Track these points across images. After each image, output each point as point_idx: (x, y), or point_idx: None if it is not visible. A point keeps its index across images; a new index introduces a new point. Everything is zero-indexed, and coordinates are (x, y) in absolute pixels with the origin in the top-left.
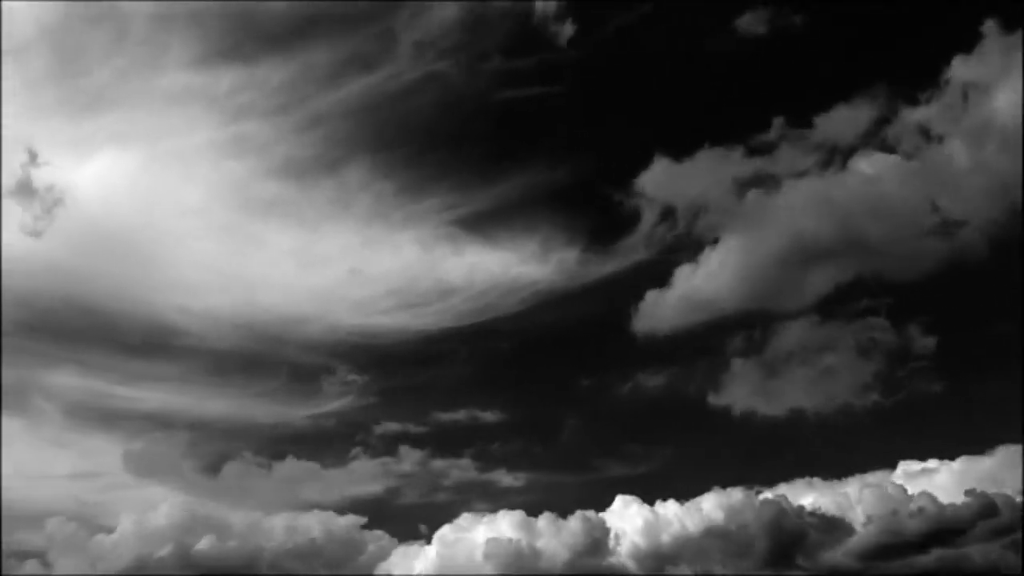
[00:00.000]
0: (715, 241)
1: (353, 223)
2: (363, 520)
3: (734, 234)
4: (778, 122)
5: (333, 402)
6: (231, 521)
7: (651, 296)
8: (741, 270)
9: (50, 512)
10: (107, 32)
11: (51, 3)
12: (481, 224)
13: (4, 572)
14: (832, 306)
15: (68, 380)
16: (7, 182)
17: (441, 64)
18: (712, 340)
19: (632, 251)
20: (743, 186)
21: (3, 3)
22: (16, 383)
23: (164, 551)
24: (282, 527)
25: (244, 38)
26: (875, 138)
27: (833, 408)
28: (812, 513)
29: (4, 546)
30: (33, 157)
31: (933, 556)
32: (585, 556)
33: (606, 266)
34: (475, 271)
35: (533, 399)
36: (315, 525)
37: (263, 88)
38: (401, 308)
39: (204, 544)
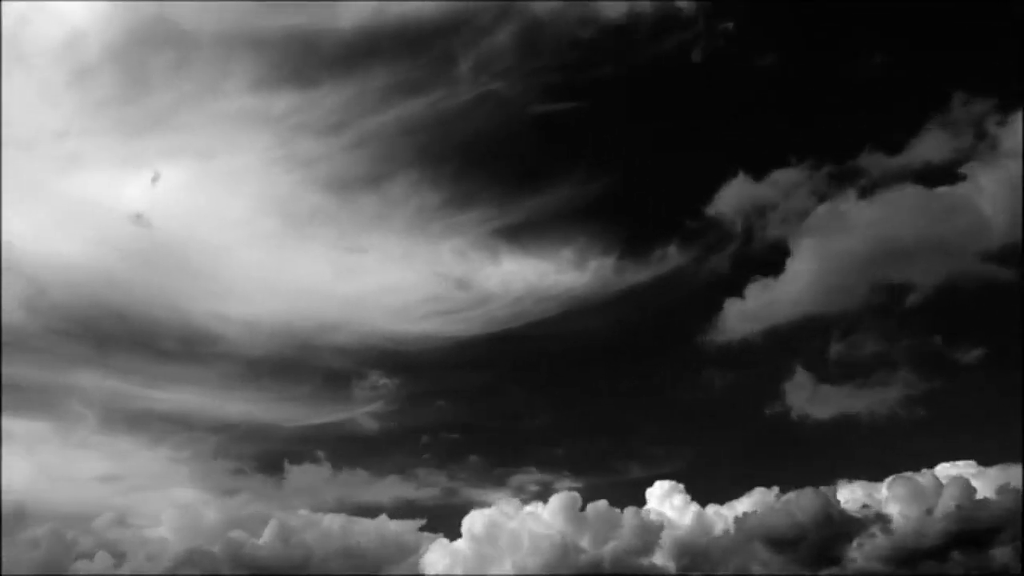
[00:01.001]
0: (785, 254)
1: (394, 234)
2: (405, 521)
3: (803, 247)
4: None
5: (363, 406)
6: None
7: (728, 304)
8: (808, 281)
9: (83, 514)
10: (171, 55)
11: (118, 26)
12: (519, 234)
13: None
14: (886, 315)
15: (104, 384)
16: None
17: (496, 84)
18: (774, 348)
19: (668, 260)
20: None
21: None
22: (53, 387)
23: (213, 549)
24: (326, 528)
25: (304, 62)
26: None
27: (882, 412)
28: (851, 512)
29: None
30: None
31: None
32: (631, 554)
33: (639, 275)
34: (511, 279)
35: (567, 401)
36: (354, 526)
37: (317, 109)
38: (435, 315)
39: (250, 543)
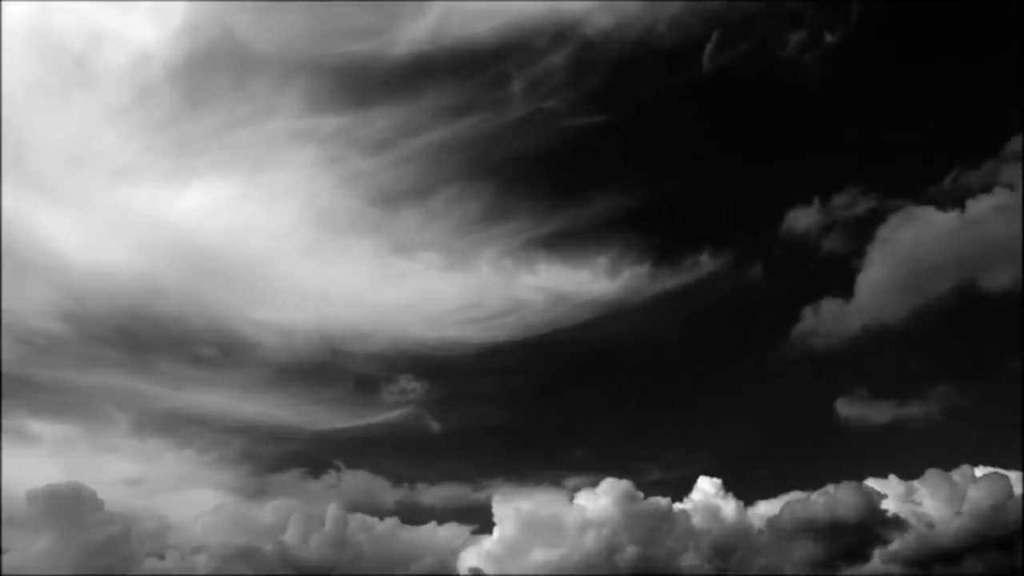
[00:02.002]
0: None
1: (433, 245)
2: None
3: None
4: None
5: (392, 410)
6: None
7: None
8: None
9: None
10: (230, 77)
11: (182, 49)
12: (556, 244)
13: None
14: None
15: (139, 388)
16: None
17: (547, 103)
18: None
19: (700, 268)
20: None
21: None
22: (86, 390)
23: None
24: (367, 528)
25: (358, 86)
26: None
27: (924, 417)
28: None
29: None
30: None
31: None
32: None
33: (669, 282)
34: (546, 287)
35: (597, 404)
36: (393, 527)
37: (367, 129)
38: (469, 322)
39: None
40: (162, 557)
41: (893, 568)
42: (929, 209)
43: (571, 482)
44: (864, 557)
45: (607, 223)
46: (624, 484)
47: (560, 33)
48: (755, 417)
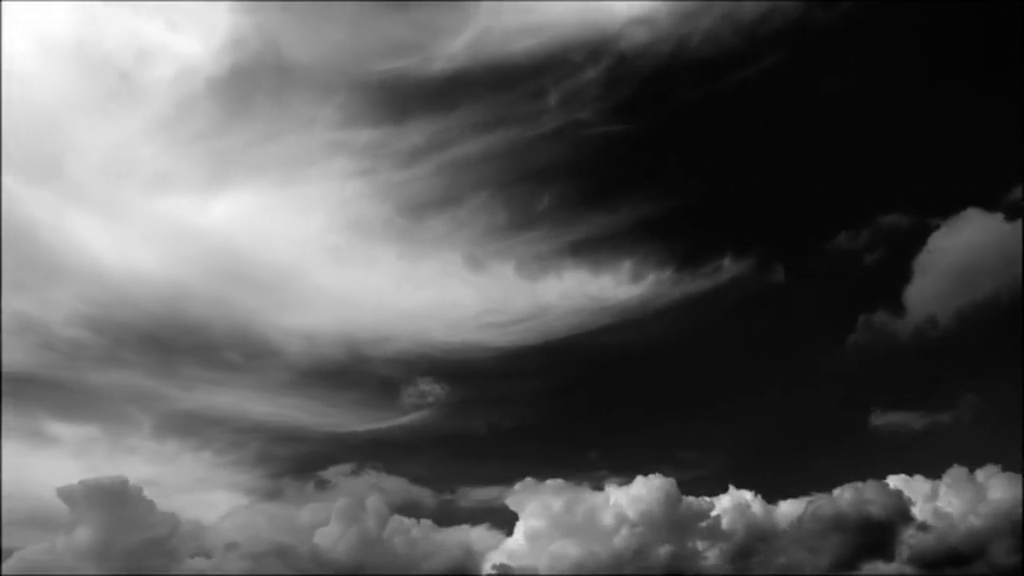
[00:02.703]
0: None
1: (459, 251)
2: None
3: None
4: None
5: (412, 412)
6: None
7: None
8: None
9: None
10: (269, 90)
11: (225, 62)
12: (581, 250)
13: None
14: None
15: (163, 391)
16: None
17: (581, 114)
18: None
19: (723, 272)
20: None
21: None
22: (110, 392)
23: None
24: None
25: (394, 101)
26: None
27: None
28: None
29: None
30: None
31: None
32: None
33: (691, 286)
34: (569, 292)
35: (616, 406)
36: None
37: (401, 142)
38: (492, 326)
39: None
40: (208, 556)
41: (908, 569)
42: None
43: (592, 482)
44: (886, 555)
45: (632, 229)
46: (660, 481)
47: (596, 48)
48: (778, 418)
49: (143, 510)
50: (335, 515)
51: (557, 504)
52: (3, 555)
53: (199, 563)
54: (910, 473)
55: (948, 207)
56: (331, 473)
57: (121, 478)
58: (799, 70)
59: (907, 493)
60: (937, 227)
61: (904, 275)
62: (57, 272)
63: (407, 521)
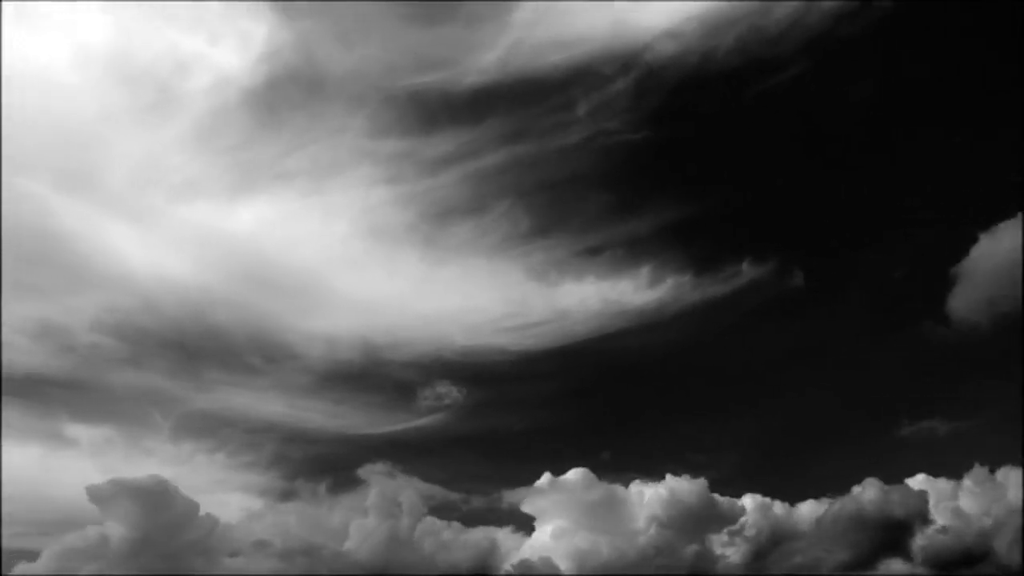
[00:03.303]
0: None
1: (482, 256)
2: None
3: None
4: None
5: (429, 415)
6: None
7: None
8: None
9: None
10: (302, 101)
11: (260, 73)
12: (602, 255)
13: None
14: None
15: (183, 393)
16: None
17: (609, 125)
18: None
19: (741, 276)
20: None
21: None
22: (129, 394)
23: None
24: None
25: (425, 112)
26: None
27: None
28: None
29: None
30: None
31: None
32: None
33: (709, 290)
34: (589, 297)
35: (633, 408)
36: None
37: (429, 151)
38: (512, 330)
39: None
40: (239, 555)
41: (920, 569)
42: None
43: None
44: (902, 555)
45: (652, 235)
46: (687, 481)
47: (624, 60)
48: (796, 421)
49: (183, 510)
50: (366, 514)
51: (577, 503)
52: (26, 556)
53: (235, 562)
54: (934, 474)
55: (984, 216)
56: (365, 472)
57: (159, 478)
58: (825, 79)
59: (929, 493)
60: (975, 238)
61: (938, 283)
62: (85, 277)
63: (437, 522)
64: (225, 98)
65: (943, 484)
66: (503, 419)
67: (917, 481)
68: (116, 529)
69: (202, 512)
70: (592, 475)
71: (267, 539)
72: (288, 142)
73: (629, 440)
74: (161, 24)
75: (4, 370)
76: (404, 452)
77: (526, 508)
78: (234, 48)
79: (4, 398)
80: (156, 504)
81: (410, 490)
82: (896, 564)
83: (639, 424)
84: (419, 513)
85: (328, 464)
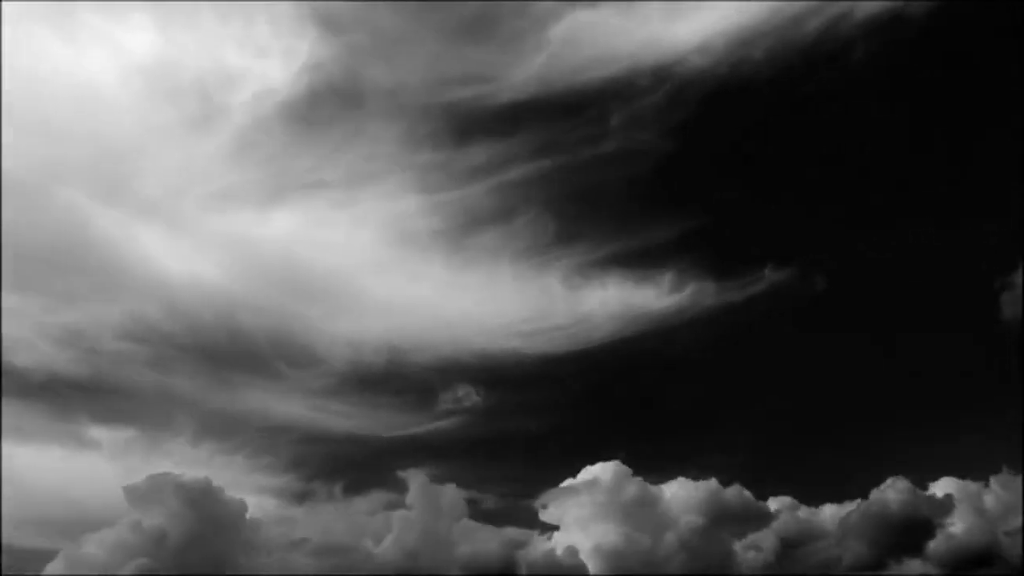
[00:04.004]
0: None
1: (507, 262)
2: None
3: None
4: None
5: (446, 418)
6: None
7: None
8: None
9: None
10: (340, 113)
11: (302, 85)
12: (626, 262)
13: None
14: None
15: (206, 395)
16: None
17: (641, 135)
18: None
19: (760, 281)
20: None
21: None
22: (153, 396)
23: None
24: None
25: (460, 124)
26: None
27: None
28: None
29: None
30: None
31: None
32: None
33: (732, 295)
34: (611, 302)
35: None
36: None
37: (462, 162)
38: (532, 334)
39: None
40: (274, 553)
41: (932, 569)
42: None
43: None
44: (920, 555)
45: (675, 241)
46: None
47: (657, 75)
48: (820, 423)
49: (227, 509)
50: (406, 514)
51: (599, 502)
52: (47, 556)
53: (273, 561)
54: (961, 476)
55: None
56: (407, 475)
57: (203, 478)
58: (852, 89)
59: (955, 496)
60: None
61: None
62: (115, 283)
63: (470, 523)
64: (265, 110)
65: (970, 487)
66: (521, 421)
67: (943, 484)
68: (153, 527)
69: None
70: (623, 469)
71: (305, 538)
72: (323, 152)
73: (648, 442)
74: (208, 40)
75: (28, 373)
76: (421, 454)
77: (551, 508)
78: (278, 63)
79: (28, 401)
80: (199, 503)
81: (453, 491)
82: (912, 564)
83: (658, 426)
84: (459, 514)
85: (346, 465)
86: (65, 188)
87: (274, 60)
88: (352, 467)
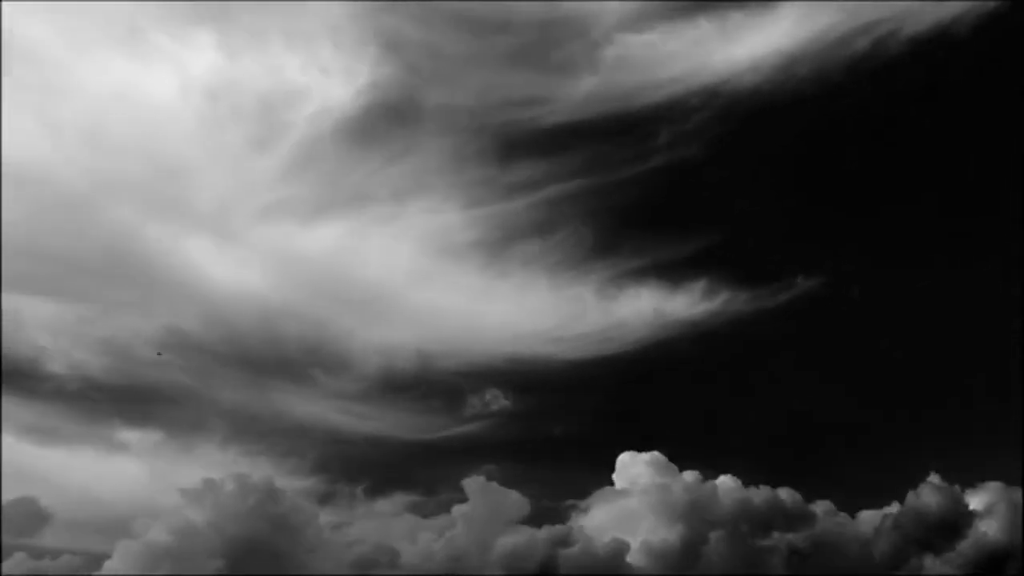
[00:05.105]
0: None
1: (543, 272)
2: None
3: None
4: None
5: (472, 423)
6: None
7: None
8: None
9: None
10: (391, 129)
11: (360, 103)
12: (662, 271)
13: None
14: None
15: (239, 399)
16: None
17: (688, 153)
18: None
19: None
20: None
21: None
22: (185, 400)
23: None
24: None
25: (509, 144)
26: None
27: None
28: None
29: None
30: None
31: None
32: None
33: (762, 303)
34: (644, 310)
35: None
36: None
37: (507, 178)
38: (561, 341)
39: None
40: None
41: (947, 569)
42: None
43: None
44: (942, 557)
45: (710, 251)
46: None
47: (707, 94)
48: (852, 428)
49: (293, 510)
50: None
51: (635, 502)
52: (81, 556)
53: (329, 562)
54: (998, 480)
55: None
56: (468, 483)
57: (268, 477)
58: (893, 105)
59: (993, 499)
60: None
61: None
62: (159, 292)
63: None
64: (323, 127)
65: (1010, 491)
66: (550, 425)
67: (980, 488)
68: (212, 527)
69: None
70: (663, 468)
71: (355, 540)
72: (373, 167)
73: (678, 447)
74: (271, 61)
75: (59, 378)
76: (446, 457)
77: (585, 508)
78: (339, 81)
79: (59, 405)
80: (262, 504)
81: (514, 498)
82: (938, 563)
83: (688, 430)
84: (518, 517)
85: (369, 467)
86: (117, 202)
87: (335, 79)
88: (376, 469)
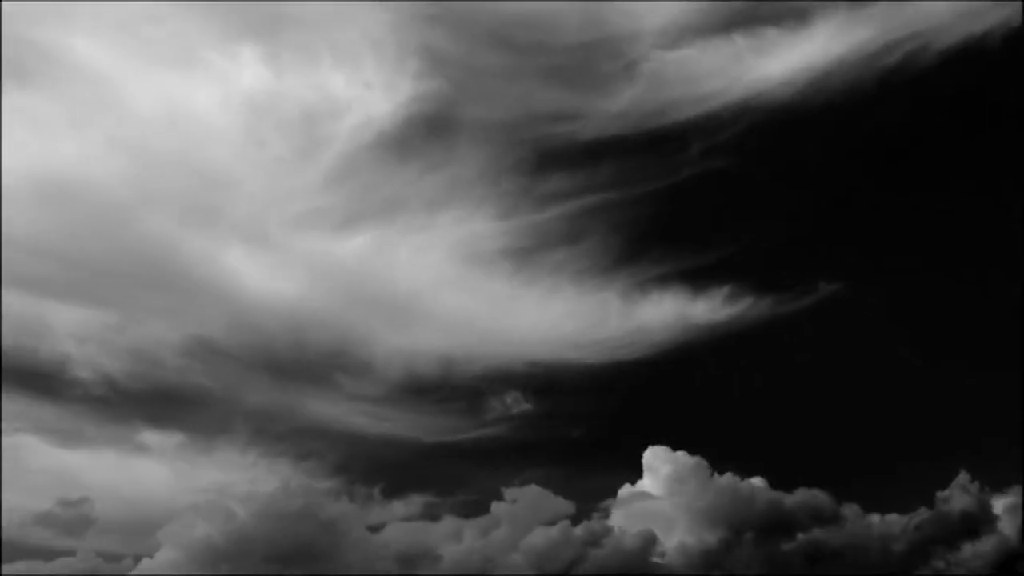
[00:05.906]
0: None
1: (567, 279)
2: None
3: None
4: None
5: (491, 426)
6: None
7: None
8: None
9: None
10: (428, 142)
11: (401, 116)
12: (687, 278)
13: None
14: None
15: (262, 402)
16: None
17: (718, 163)
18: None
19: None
20: None
21: None
22: (208, 403)
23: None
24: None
25: (543, 157)
26: None
27: None
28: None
29: None
30: None
31: None
32: None
33: (785, 308)
34: (667, 316)
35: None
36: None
37: (538, 190)
38: (584, 345)
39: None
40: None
41: (957, 570)
42: None
43: None
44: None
45: (735, 257)
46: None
47: (741, 108)
48: (878, 434)
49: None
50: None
51: (649, 505)
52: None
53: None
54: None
55: None
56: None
57: (308, 482)
58: (923, 116)
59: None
60: None
61: None
62: (190, 300)
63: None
64: (362, 140)
65: None
66: (570, 427)
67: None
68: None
69: None
70: (689, 468)
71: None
72: (408, 178)
73: (702, 448)
74: (315, 75)
75: (85, 382)
76: (464, 458)
77: (610, 509)
78: (384, 95)
79: (83, 407)
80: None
81: (551, 499)
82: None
83: (711, 432)
84: (559, 519)
85: (386, 468)
86: (156, 212)
87: (377, 93)
88: (392, 471)
